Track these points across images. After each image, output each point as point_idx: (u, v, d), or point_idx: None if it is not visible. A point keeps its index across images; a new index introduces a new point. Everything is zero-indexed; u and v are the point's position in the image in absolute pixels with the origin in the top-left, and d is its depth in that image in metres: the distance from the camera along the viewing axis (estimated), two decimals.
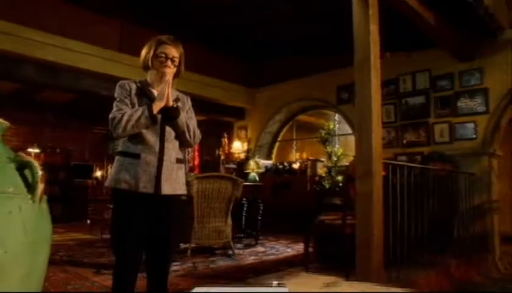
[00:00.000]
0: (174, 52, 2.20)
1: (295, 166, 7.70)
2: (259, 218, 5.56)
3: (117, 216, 2.20)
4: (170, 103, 2.13)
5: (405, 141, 6.16)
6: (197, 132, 2.30)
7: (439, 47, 5.43)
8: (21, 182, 1.44)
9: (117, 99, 2.17)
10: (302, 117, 8.60)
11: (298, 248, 5.10)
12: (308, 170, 7.22)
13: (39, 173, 1.47)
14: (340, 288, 1.39)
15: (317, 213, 4.74)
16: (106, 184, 2.19)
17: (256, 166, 6.17)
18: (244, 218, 5.76)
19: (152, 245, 2.16)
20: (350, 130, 7.27)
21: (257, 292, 1.06)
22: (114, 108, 2.13)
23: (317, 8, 5.40)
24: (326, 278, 1.48)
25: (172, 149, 2.20)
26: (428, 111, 5.96)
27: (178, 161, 2.24)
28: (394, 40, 4.73)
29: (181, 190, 2.25)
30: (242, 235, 5.66)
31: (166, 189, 2.12)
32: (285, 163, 7.90)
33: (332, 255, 3.78)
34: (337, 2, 3.96)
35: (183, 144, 2.28)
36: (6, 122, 1.58)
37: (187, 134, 2.22)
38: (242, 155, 8.19)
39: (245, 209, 5.74)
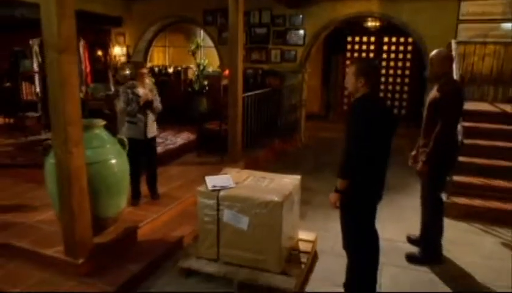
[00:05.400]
0: (145, 70, 4.44)
1: (170, 70, 9.79)
2: None
3: (130, 149, 4.37)
4: (150, 98, 4.34)
5: (252, 59, 8.80)
6: (159, 105, 4.51)
7: None
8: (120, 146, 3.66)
9: (122, 96, 4.29)
10: (174, 25, 10.36)
11: (183, 136, 7.62)
12: (182, 75, 9.45)
13: (126, 142, 3.70)
14: (245, 172, 4.00)
15: (197, 119, 7.26)
16: (120, 135, 4.30)
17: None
18: None
19: (148, 158, 4.55)
20: (212, 44, 9.48)
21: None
22: (121, 103, 4.29)
23: None
24: (235, 169, 4.13)
25: (150, 117, 4.43)
26: (268, 39, 8.61)
27: (153, 121, 4.50)
28: None
29: (155, 133, 4.59)
30: None
31: (149, 134, 4.45)
32: (161, 67, 9.91)
33: (212, 146, 6.42)
34: None
35: (154, 113, 4.52)
36: (104, 120, 3.65)
37: (156, 110, 4.49)
38: (123, 58, 9.83)
39: None
